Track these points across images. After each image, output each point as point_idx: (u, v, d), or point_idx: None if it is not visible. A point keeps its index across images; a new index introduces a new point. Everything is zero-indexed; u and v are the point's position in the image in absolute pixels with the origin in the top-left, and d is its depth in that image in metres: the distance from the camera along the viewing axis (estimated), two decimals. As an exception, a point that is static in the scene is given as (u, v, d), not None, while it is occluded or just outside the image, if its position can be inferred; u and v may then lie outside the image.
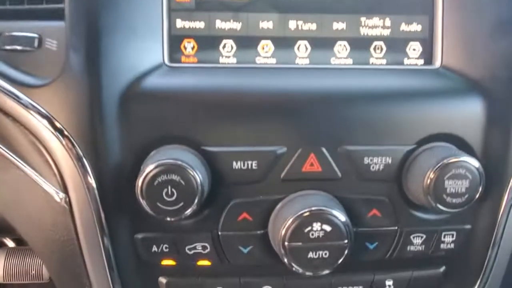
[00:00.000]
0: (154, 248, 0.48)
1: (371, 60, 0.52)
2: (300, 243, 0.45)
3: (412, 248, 0.50)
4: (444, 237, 0.51)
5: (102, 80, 0.45)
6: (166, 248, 0.48)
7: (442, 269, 0.53)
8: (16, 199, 0.51)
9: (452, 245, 0.51)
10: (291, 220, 0.45)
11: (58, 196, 0.47)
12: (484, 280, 0.53)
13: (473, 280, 0.53)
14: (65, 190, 0.47)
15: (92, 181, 0.46)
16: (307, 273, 0.46)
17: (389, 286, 0.52)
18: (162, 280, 0.51)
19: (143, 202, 0.43)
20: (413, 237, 0.50)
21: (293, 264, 0.45)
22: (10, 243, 1.57)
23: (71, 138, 0.46)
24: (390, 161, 0.48)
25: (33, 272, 0.97)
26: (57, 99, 0.46)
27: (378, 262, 0.50)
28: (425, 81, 0.50)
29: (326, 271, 0.46)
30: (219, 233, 0.48)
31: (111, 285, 0.50)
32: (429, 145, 0.48)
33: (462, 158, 0.45)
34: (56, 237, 0.50)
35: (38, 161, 0.48)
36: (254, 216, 0.48)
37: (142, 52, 0.48)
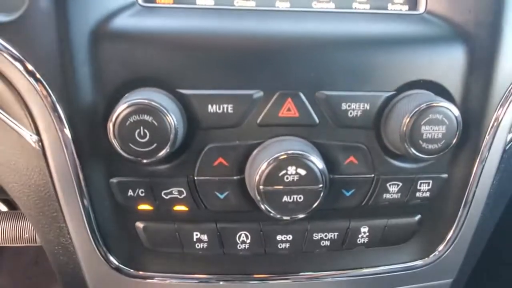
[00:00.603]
0: (130, 193, 0.48)
1: (354, 5, 0.50)
2: (274, 187, 0.45)
3: (388, 196, 0.51)
4: (420, 185, 0.51)
5: (70, 15, 0.43)
6: (142, 192, 0.48)
7: (417, 217, 0.54)
8: None
9: (428, 194, 0.51)
10: (266, 163, 0.44)
11: (31, 138, 0.47)
12: (458, 228, 0.54)
13: (447, 229, 0.54)
14: (37, 132, 0.46)
15: (64, 123, 0.45)
16: (282, 217, 0.46)
17: (364, 233, 0.52)
18: (139, 225, 0.51)
19: (115, 143, 0.43)
20: (389, 185, 0.50)
21: (268, 208, 0.46)
22: (2, 207, 1.58)
23: (43, 81, 0.45)
24: (368, 107, 0.47)
25: (27, 235, 0.98)
26: (25, 37, 0.44)
27: (354, 209, 0.51)
28: (409, 27, 0.49)
29: (301, 216, 0.46)
30: (195, 178, 0.48)
31: (87, 229, 0.50)
32: (409, 92, 0.48)
33: (439, 104, 0.44)
34: (31, 181, 0.49)
35: (10, 104, 0.47)
36: (230, 161, 0.47)
37: None
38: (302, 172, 0.45)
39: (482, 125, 0.49)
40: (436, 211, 0.54)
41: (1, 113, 0.48)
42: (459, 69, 0.47)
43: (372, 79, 0.47)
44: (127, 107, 0.42)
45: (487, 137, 0.49)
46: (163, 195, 0.48)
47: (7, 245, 0.99)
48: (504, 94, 0.48)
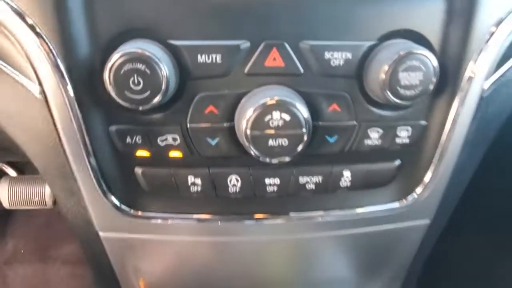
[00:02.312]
0: (128, 140, 0.52)
1: None
2: (260, 131, 0.48)
3: (369, 142, 0.54)
4: (400, 132, 0.54)
5: None
6: (139, 139, 0.52)
7: (397, 162, 0.57)
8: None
9: (407, 140, 0.54)
10: (252, 109, 0.48)
11: (35, 90, 0.50)
12: (435, 173, 0.57)
13: (425, 173, 0.58)
14: (39, 83, 0.50)
15: (65, 75, 0.48)
16: (269, 160, 0.50)
17: (347, 177, 0.56)
18: (138, 170, 0.55)
19: (111, 90, 0.46)
20: (371, 132, 0.53)
21: (256, 152, 0.49)
22: (12, 173, 1.64)
23: (42, 35, 0.47)
24: (350, 57, 0.49)
25: (37, 198, 1.03)
26: None
27: (337, 155, 0.54)
28: None
29: (287, 159, 0.50)
30: (188, 125, 0.51)
31: (91, 174, 0.54)
32: (390, 42, 0.50)
33: (416, 51, 0.47)
34: (37, 131, 0.53)
35: (13, 58, 0.50)
36: (220, 109, 0.51)
37: None
38: (287, 117, 0.48)
39: (459, 73, 0.51)
40: (415, 157, 0.57)
41: (5, 66, 0.51)
42: (439, 17, 0.49)
43: (354, 28, 0.49)
44: (121, 56, 0.45)
45: (463, 85, 0.52)
46: (158, 142, 0.52)
47: (19, 208, 1.05)
48: (481, 43, 0.50)
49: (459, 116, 0.53)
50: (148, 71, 0.45)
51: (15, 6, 0.47)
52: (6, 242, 1.55)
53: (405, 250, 0.68)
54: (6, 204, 0.98)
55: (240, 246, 0.63)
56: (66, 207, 0.59)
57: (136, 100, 0.46)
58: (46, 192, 0.98)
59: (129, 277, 0.68)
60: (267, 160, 0.50)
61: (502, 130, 0.61)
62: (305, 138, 0.49)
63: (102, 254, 0.63)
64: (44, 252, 1.52)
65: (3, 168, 1.56)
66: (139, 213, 0.58)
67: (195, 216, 0.58)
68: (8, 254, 1.52)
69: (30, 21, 0.47)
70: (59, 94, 0.49)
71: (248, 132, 0.48)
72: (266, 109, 0.48)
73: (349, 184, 0.57)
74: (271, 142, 0.49)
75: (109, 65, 0.45)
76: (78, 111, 0.50)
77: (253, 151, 0.49)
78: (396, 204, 0.60)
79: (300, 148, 0.50)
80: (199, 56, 0.48)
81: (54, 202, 1.05)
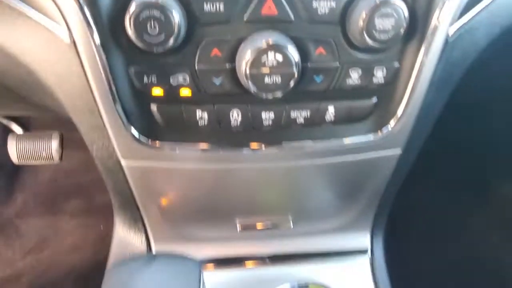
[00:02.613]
0: (145, 79, 0.61)
1: None
2: (258, 70, 0.57)
3: (350, 81, 0.63)
4: (376, 72, 0.63)
5: None
6: (154, 79, 0.61)
7: (374, 99, 0.67)
8: (31, 46, 0.62)
9: (383, 80, 0.64)
10: (251, 51, 0.57)
11: (64, 35, 0.58)
12: (406, 107, 0.67)
13: (397, 108, 0.68)
14: (69, 30, 0.58)
15: (91, 22, 0.56)
16: (265, 96, 0.59)
17: (331, 112, 0.66)
18: (153, 106, 0.64)
19: (132, 35, 0.54)
20: (352, 72, 0.63)
21: (254, 88, 0.59)
22: (16, 129, 1.73)
23: None
24: (334, 5, 0.58)
25: (44, 154, 1.11)
26: None
27: (323, 93, 0.64)
28: None
29: (280, 94, 0.60)
30: (196, 66, 0.60)
31: (115, 111, 0.63)
32: None
33: (389, 0, 0.55)
34: (67, 73, 0.61)
35: (46, 7, 0.57)
36: (223, 52, 0.59)
37: None
38: (280, 58, 0.57)
39: (427, 20, 0.60)
40: (389, 94, 0.67)
41: (40, 16, 0.58)
42: None
43: None
44: (140, 4, 0.53)
45: (430, 31, 0.60)
46: (171, 81, 0.61)
47: (27, 163, 1.13)
48: None
49: (427, 59, 0.62)
50: (162, 17, 0.53)
51: None
52: (16, 196, 1.66)
53: (380, 177, 0.80)
54: (15, 160, 1.06)
55: (240, 172, 0.74)
56: (92, 140, 0.69)
57: (153, 44, 0.55)
58: (52, 147, 1.06)
59: (146, 200, 0.80)
60: (264, 95, 0.60)
61: (471, 76, 0.71)
62: (296, 76, 0.58)
63: (123, 181, 0.74)
64: (52, 206, 1.64)
65: (8, 125, 1.64)
66: (156, 143, 0.68)
67: (202, 146, 0.69)
68: (18, 208, 1.63)
69: None
70: (86, 40, 0.57)
71: (247, 71, 0.57)
72: (262, 51, 0.56)
73: (333, 118, 0.66)
74: (266, 80, 0.58)
75: (129, 12, 0.53)
76: (103, 55, 0.59)
77: (251, 88, 0.59)
78: (373, 134, 0.70)
79: (291, 84, 0.59)
80: (205, 5, 0.56)
81: (61, 157, 1.14)
